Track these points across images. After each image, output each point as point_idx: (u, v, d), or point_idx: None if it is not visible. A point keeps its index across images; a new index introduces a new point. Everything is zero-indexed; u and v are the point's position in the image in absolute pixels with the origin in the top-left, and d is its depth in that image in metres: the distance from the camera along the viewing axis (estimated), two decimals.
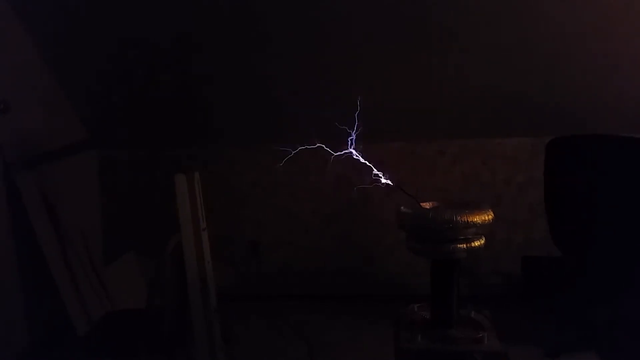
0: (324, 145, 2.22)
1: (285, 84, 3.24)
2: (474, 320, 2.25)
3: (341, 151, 2.20)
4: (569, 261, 2.90)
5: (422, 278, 2.46)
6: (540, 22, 2.86)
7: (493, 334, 2.14)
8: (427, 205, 2.26)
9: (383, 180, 2.17)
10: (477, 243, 2.13)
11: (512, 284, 3.41)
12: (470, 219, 2.05)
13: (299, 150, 2.40)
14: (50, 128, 3.20)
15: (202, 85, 3.31)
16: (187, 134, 3.61)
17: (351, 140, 2.19)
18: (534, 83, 3.14)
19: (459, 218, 2.04)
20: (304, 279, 3.67)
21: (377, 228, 3.58)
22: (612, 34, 2.87)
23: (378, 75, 3.18)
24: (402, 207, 2.19)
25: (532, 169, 3.33)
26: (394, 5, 2.83)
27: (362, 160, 2.16)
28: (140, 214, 3.73)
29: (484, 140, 3.50)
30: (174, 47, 3.11)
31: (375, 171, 2.16)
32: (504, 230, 3.45)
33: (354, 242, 3.68)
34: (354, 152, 2.17)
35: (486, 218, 2.09)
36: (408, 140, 3.51)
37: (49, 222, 2.88)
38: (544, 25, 2.87)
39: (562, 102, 3.19)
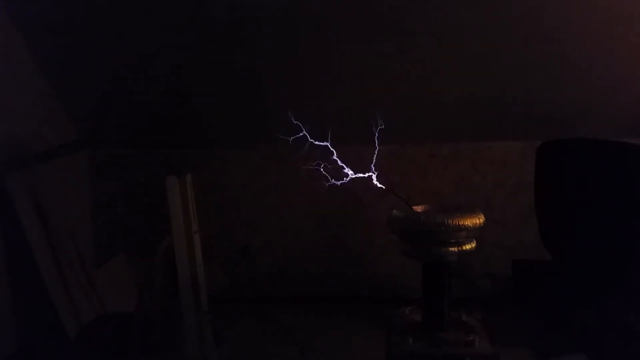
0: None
1: (276, 84, 3.24)
2: (465, 323, 2.27)
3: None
4: (559, 264, 2.93)
5: (413, 281, 2.47)
6: (531, 27, 2.88)
7: (484, 337, 2.15)
8: (419, 208, 2.27)
9: (377, 184, 2.19)
10: (468, 246, 2.15)
11: (502, 286, 3.43)
12: (461, 223, 2.06)
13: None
14: (40, 128, 3.18)
15: (193, 86, 3.30)
16: (178, 134, 3.60)
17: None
18: (525, 87, 3.15)
19: (450, 221, 2.06)
20: (296, 281, 3.66)
21: (368, 230, 3.58)
22: (601, 38, 2.90)
23: (367, 78, 3.19)
24: (394, 211, 2.21)
25: (523, 172, 3.35)
26: (383, 9, 2.84)
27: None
28: (131, 215, 3.71)
29: (474, 144, 3.52)
30: (165, 48, 3.10)
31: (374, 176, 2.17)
32: (494, 233, 3.46)
33: (346, 245, 3.68)
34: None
35: (477, 222, 2.11)
36: (399, 143, 3.52)
37: (39, 224, 2.85)
38: (535, 30, 2.89)
39: (553, 106, 3.21)
